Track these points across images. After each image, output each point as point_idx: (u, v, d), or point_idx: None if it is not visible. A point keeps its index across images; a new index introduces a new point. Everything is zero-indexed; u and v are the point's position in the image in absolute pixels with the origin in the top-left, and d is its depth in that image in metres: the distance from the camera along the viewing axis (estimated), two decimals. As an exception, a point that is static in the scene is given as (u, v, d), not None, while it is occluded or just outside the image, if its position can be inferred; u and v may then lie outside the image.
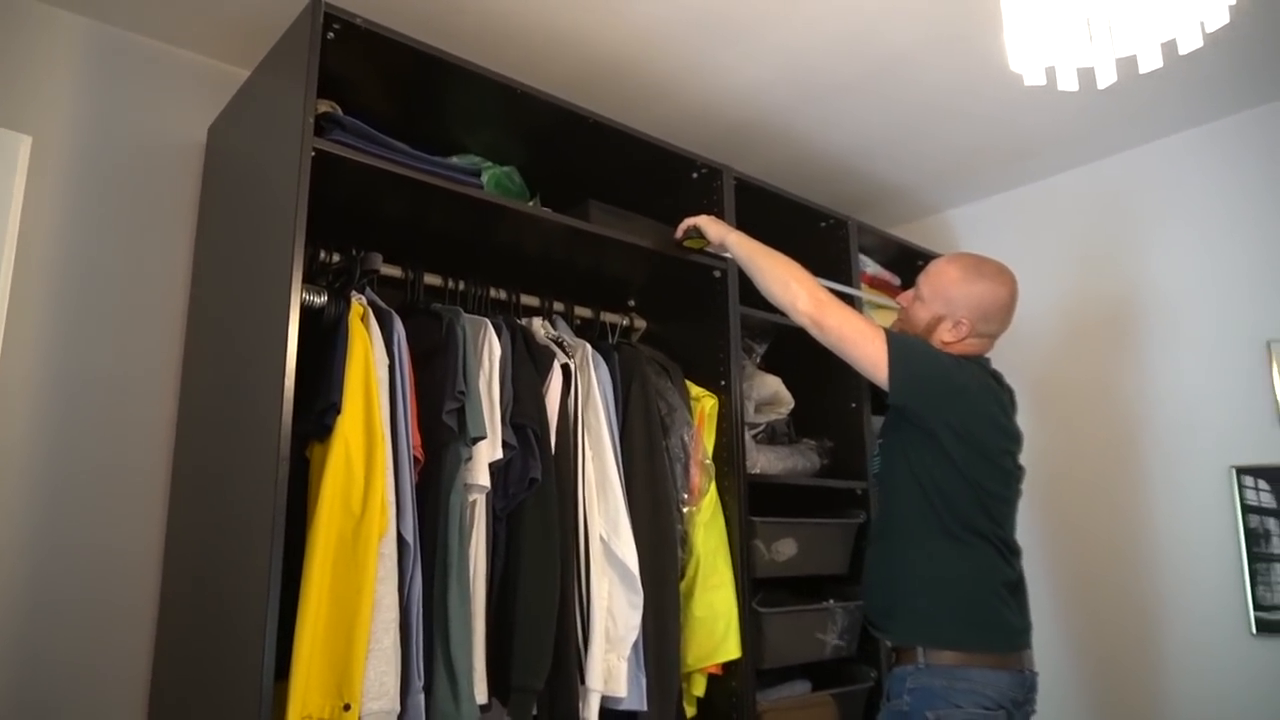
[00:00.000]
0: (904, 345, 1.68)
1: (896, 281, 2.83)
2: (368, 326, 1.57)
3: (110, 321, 1.86)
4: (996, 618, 1.61)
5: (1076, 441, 2.65)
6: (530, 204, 2.02)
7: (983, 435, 1.64)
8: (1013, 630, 1.62)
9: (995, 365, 1.81)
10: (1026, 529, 1.73)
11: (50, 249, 1.80)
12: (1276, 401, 2.27)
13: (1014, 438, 1.72)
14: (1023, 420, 1.77)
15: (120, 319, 1.87)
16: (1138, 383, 2.56)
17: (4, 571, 1.66)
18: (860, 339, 1.68)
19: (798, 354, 2.46)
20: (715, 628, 1.91)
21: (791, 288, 1.77)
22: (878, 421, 2.49)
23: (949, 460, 1.63)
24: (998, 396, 1.70)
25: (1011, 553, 1.67)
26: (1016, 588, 1.67)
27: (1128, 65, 1.00)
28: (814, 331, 1.74)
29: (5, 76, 1.79)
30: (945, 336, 1.77)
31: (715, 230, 1.96)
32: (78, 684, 1.71)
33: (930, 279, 1.82)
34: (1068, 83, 1.10)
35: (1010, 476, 1.70)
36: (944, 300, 1.77)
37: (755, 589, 2.07)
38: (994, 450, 1.66)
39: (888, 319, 2.49)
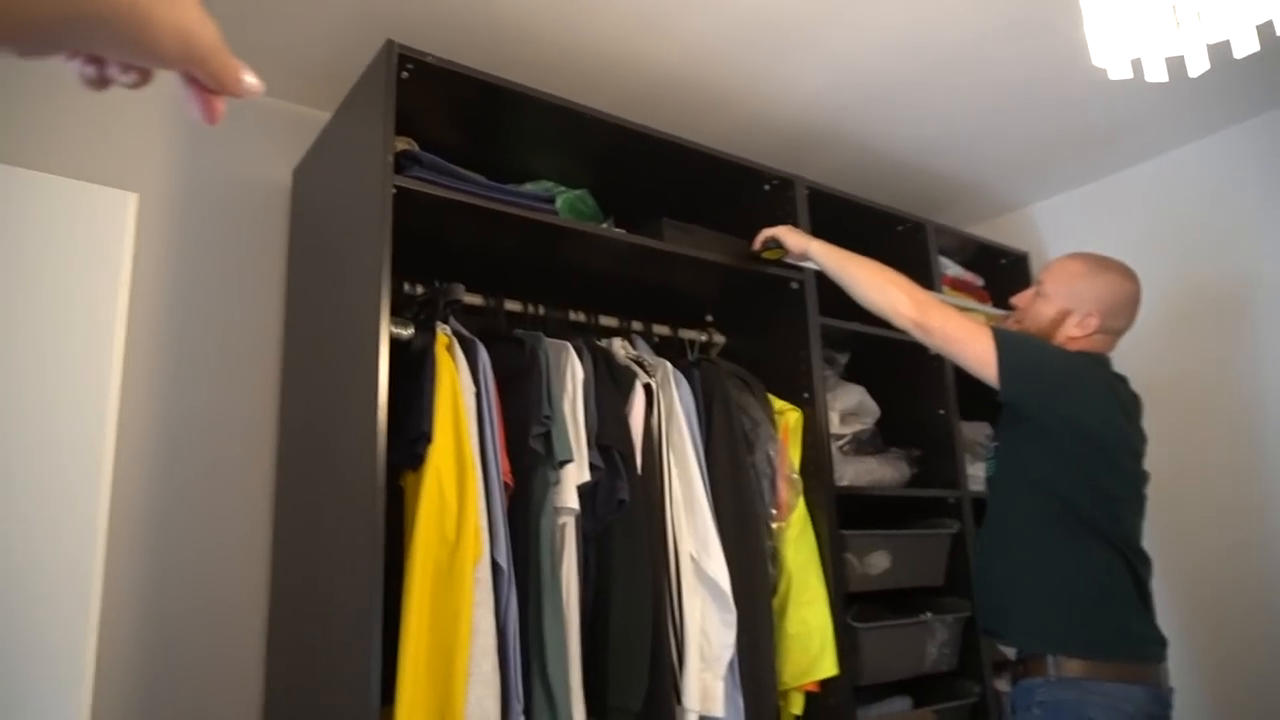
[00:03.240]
0: (1012, 340, 1.63)
1: (979, 282, 2.76)
2: (453, 355, 1.61)
3: (212, 360, 1.94)
4: (1125, 625, 1.55)
5: (1190, 444, 2.51)
6: (604, 225, 2.04)
7: (1100, 431, 1.59)
8: (1144, 639, 1.56)
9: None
10: (1143, 537, 1.65)
11: (156, 296, 1.89)
12: (1402, 388, 2.12)
13: (1133, 437, 1.65)
14: (1134, 423, 1.70)
15: (221, 357, 1.95)
16: (1253, 379, 2.42)
17: (117, 604, 1.74)
18: (967, 337, 1.64)
19: (881, 362, 2.43)
20: (810, 644, 1.88)
21: (890, 292, 1.73)
22: (967, 428, 2.44)
23: (1066, 458, 1.58)
24: (1117, 393, 1.64)
25: (1139, 559, 1.60)
26: (1146, 597, 1.60)
27: (1220, 50, 0.96)
28: (918, 334, 1.71)
29: (112, 138, 1.89)
30: (1072, 331, 1.72)
31: (796, 241, 1.94)
32: (192, 712, 1.78)
33: (1054, 274, 1.78)
34: (1156, 73, 1.06)
35: (1132, 477, 1.63)
36: (1070, 294, 1.73)
37: (849, 604, 2.03)
38: (1112, 448, 1.60)
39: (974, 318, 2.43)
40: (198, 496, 1.87)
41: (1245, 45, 0.99)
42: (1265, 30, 0.98)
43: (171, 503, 1.84)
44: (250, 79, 0.44)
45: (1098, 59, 1.07)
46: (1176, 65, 1.02)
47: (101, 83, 0.41)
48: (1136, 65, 1.06)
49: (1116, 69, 1.08)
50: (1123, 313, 1.72)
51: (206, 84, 0.44)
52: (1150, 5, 1.00)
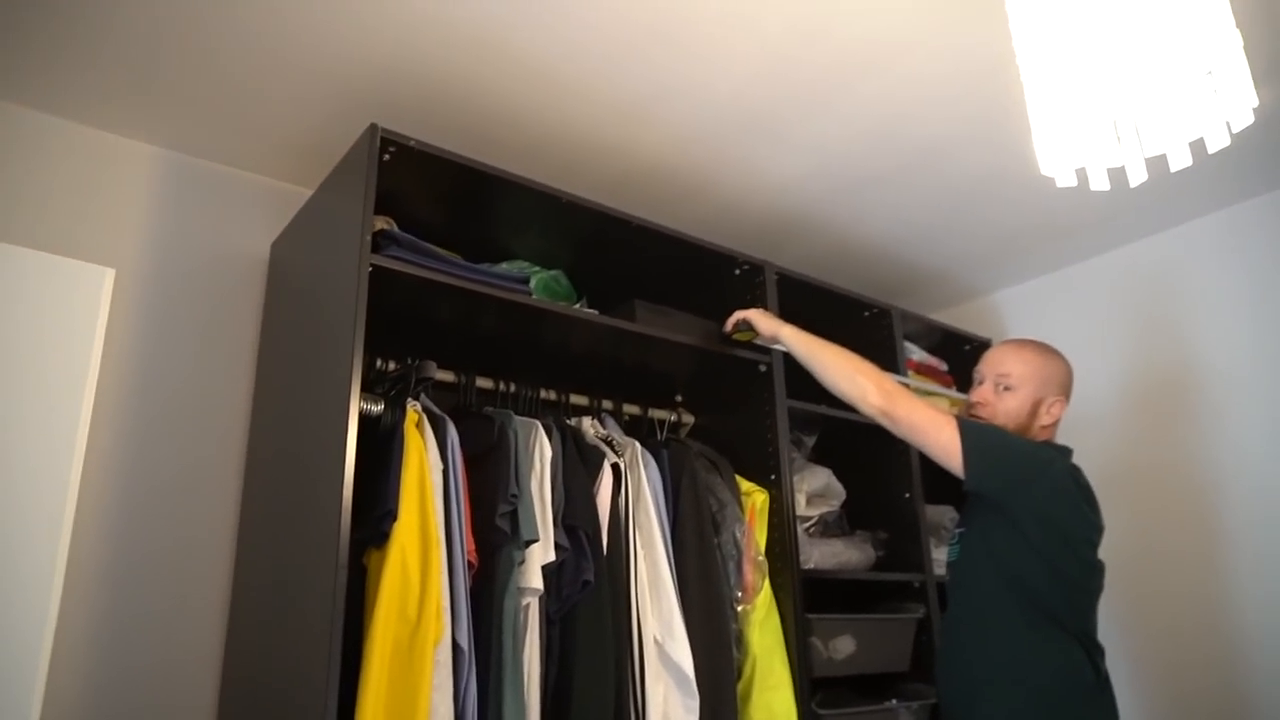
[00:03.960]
0: (977, 431, 1.67)
1: (943, 367, 2.82)
2: (422, 432, 1.61)
3: (180, 432, 1.93)
4: (1087, 718, 1.56)
5: (1146, 530, 2.55)
6: (577, 306, 2.07)
7: (1064, 520, 1.61)
8: None
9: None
10: (1103, 624, 1.67)
11: (127, 367, 1.89)
12: (1351, 481, 2.18)
13: (1096, 527, 1.67)
14: (1089, 510, 1.73)
15: (188, 429, 1.94)
16: (1206, 464, 2.48)
17: (72, 672, 1.69)
18: (931, 427, 1.67)
19: (848, 445, 2.46)
20: (774, 731, 1.86)
21: (858, 381, 1.77)
22: (932, 511, 2.46)
23: (1031, 549, 1.60)
24: (1080, 481, 1.67)
25: (1096, 650, 1.62)
26: (1105, 687, 1.61)
27: (1158, 162, 1.03)
28: (884, 422, 1.74)
29: (89, 211, 1.92)
30: (1044, 420, 1.76)
31: (767, 325, 1.99)
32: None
33: (1013, 366, 1.79)
34: (1099, 183, 1.12)
35: (1093, 569, 1.65)
36: (1040, 383, 1.76)
37: (814, 689, 2.01)
38: (1076, 538, 1.62)
39: (939, 406, 2.47)
40: (157, 568, 1.84)
41: (1179, 160, 1.06)
42: (1198, 145, 1.05)
43: (129, 575, 1.80)
44: None
45: (1045, 169, 1.13)
46: (1118, 175, 1.09)
47: None
48: (1081, 174, 1.13)
49: (1062, 178, 1.14)
50: (1070, 394, 1.79)
51: None
52: (1091, 120, 1.07)
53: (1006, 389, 1.78)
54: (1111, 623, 1.69)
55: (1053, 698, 1.56)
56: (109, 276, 1.85)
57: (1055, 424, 1.77)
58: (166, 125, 1.97)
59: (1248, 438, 2.41)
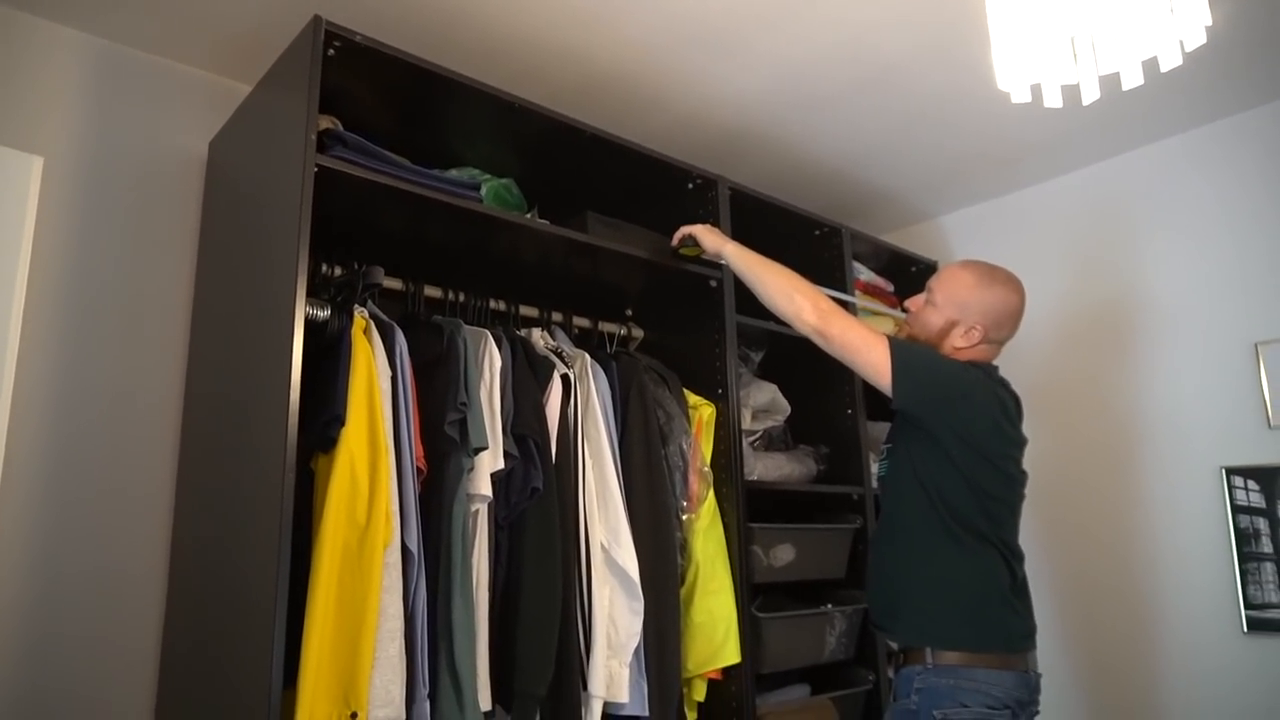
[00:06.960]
0: (907, 352, 1.71)
1: (890, 288, 2.86)
2: (370, 339, 1.60)
3: (116, 334, 1.88)
4: (1000, 620, 1.65)
5: (1071, 444, 2.69)
6: (528, 216, 2.04)
7: (985, 440, 1.67)
8: (1016, 633, 1.66)
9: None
10: (1023, 530, 1.76)
11: (59, 263, 1.82)
12: (1265, 403, 2.30)
13: (1016, 443, 1.74)
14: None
15: (125, 331, 1.89)
16: (1130, 385, 2.59)
17: (9, 579, 1.68)
18: (864, 346, 1.71)
19: (793, 362, 2.50)
20: (715, 633, 1.94)
21: (795, 299, 1.79)
22: (873, 428, 2.53)
23: (952, 464, 1.66)
24: (1001, 401, 1.73)
25: (1014, 556, 1.70)
26: (1020, 591, 1.70)
27: (1111, 81, 1.04)
28: (818, 340, 1.77)
29: (17, 98, 1.81)
30: (958, 342, 1.79)
31: (711, 240, 1.99)
32: (85, 695, 1.73)
33: (944, 284, 1.84)
34: (1053, 99, 1.13)
35: (1013, 481, 1.73)
36: (958, 305, 1.79)
37: (754, 594, 2.09)
38: (996, 455, 1.69)
39: (883, 326, 2.52)
40: (94, 471, 1.81)
41: (1132, 79, 1.07)
42: (1151, 65, 1.06)
43: (66, 477, 1.77)
44: None
45: (1002, 83, 1.14)
46: (1073, 94, 1.10)
47: None
48: (1036, 91, 1.14)
49: (1018, 93, 1.15)
50: (1006, 325, 1.81)
51: None
52: (1050, 36, 1.07)
53: (930, 303, 1.84)
54: (1028, 527, 1.78)
55: (969, 602, 1.65)
56: (37, 164, 1.75)
57: (974, 348, 1.78)
58: (98, 12, 1.85)
59: (1170, 367, 2.52)
